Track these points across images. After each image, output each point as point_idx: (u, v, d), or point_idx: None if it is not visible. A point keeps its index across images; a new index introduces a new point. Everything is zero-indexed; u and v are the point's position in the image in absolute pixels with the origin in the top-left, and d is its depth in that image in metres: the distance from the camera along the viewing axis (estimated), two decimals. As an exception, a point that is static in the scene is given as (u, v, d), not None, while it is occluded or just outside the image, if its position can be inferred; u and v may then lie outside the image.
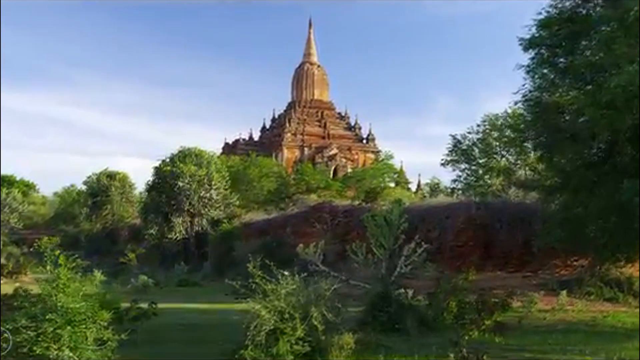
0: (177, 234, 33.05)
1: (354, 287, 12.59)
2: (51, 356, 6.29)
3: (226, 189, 34.73)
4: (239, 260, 20.40)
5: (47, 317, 6.46)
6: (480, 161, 28.33)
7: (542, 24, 13.09)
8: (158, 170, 34.57)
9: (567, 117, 13.31)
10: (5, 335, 6.42)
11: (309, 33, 63.03)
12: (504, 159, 27.20)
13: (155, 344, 10.09)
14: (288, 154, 55.63)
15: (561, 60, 13.25)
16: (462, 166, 29.29)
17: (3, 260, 27.87)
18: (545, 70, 13.52)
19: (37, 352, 6.29)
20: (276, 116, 62.25)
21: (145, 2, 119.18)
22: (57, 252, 7.04)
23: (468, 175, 29.34)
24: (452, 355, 7.88)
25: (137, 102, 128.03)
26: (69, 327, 6.43)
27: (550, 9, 13.17)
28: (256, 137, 61.52)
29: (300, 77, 61.24)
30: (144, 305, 11.30)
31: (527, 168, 24.95)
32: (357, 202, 28.49)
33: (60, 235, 42.96)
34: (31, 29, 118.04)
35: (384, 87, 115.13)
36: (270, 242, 24.07)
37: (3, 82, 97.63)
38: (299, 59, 62.74)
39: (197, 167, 33.27)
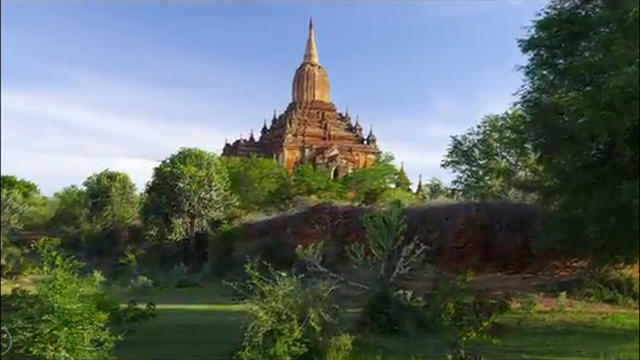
0: (177, 235, 33.03)
1: (354, 288, 12.58)
2: (47, 357, 6.29)
3: (226, 190, 34.74)
4: (238, 261, 20.31)
5: (43, 318, 6.45)
6: (481, 162, 28.39)
7: (542, 25, 13.09)
8: (158, 171, 34.56)
9: (566, 118, 13.28)
10: (5, 335, 6.42)
11: (310, 34, 63.14)
12: (504, 160, 27.23)
13: (154, 344, 10.08)
14: (289, 155, 55.67)
15: (560, 61, 13.25)
16: (463, 167, 29.38)
17: (3, 261, 27.90)
18: (544, 72, 13.52)
19: (34, 353, 6.29)
20: (277, 117, 62.32)
21: (145, 2, 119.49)
22: (54, 252, 7.03)
23: (468, 176, 29.41)
24: (449, 356, 7.85)
25: (138, 103, 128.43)
26: (65, 328, 6.43)
27: (549, 10, 13.18)
28: (257, 138, 61.60)
29: (301, 78, 61.31)
30: (143, 306, 11.29)
31: (527, 169, 24.95)
32: (357, 204, 28.47)
33: (60, 236, 42.92)
34: (31, 30, 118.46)
35: (384, 88, 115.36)
36: (270, 243, 24.06)
37: (3, 82, 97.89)
38: (299, 60, 62.89)
39: (198, 168, 33.26)
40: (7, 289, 16.27)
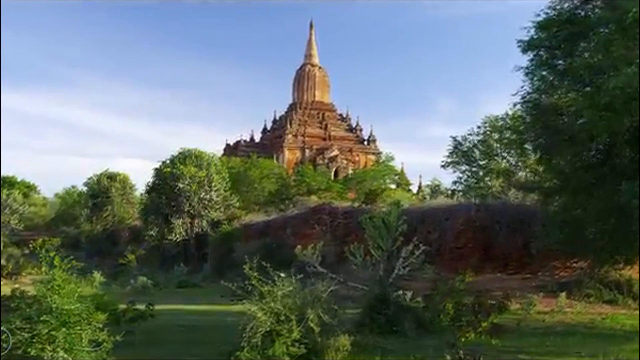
0: (177, 236, 33.03)
1: (353, 288, 12.57)
2: (46, 358, 6.29)
3: (226, 191, 34.75)
4: (238, 261, 20.30)
5: (41, 318, 6.46)
6: (481, 163, 28.42)
7: (541, 26, 13.08)
8: (158, 172, 34.58)
9: (566, 119, 13.27)
10: (5, 335, 6.42)
11: (310, 34, 63.14)
12: (504, 160, 27.23)
13: (153, 345, 10.08)
14: (289, 156, 55.67)
15: (560, 62, 13.24)
16: (463, 168, 29.39)
17: (3, 262, 27.89)
18: (544, 72, 13.50)
19: (32, 353, 6.29)
20: (277, 117, 62.32)
21: (145, 3, 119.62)
22: (53, 253, 7.04)
23: (468, 176, 29.43)
24: (448, 357, 7.86)
25: (138, 103, 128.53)
26: (63, 329, 6.43)
27: (549, 11, 13.16)
28: (257, 138, 61.60)
29: (301, 79, 61.31)
30: (142, 307, 11.29)
31: (527, 170, 24.95)
32: (357, 204, 28.47)
33: (61, 236, 43.07)
34: (31, 30, 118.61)
35: (385, 88, 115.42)
36: (270, 244, 24.07)
37: (3, 82, 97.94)
38: (300, 60, 62.87)
39: (198, 169, 33.28)
40: (6, 290, 16.27)
